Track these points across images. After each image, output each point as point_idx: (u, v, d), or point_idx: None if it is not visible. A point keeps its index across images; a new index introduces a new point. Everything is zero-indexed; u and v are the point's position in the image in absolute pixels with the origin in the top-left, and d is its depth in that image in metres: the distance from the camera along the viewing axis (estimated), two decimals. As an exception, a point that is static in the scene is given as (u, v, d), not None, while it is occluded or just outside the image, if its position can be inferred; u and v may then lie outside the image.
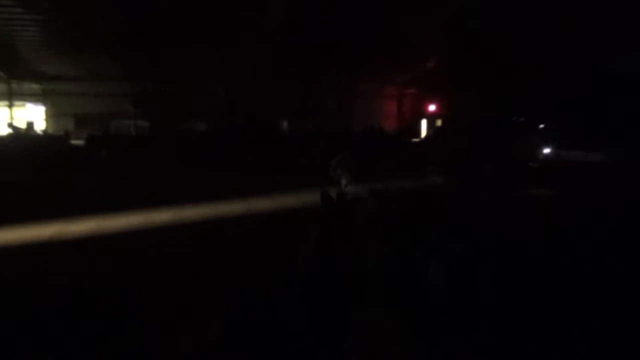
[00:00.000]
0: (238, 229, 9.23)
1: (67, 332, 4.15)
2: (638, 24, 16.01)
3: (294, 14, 16.92)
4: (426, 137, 29.49)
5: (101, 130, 26.03)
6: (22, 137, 25.20)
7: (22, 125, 26.66)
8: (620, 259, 3.81)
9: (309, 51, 22.77)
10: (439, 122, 29.73)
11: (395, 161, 16.25)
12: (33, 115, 29.22)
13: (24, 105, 29.02)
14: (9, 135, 25.06)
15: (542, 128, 20.55)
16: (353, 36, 20.22)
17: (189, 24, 18.93)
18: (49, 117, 29.78)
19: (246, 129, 23.67)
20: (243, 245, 7.76)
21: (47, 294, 5.28)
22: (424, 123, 31.40)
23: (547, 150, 19.23)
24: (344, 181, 7.67)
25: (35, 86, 28.46)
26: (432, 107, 29.69)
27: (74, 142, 24.20)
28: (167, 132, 24.47)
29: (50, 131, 28.13)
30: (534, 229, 5.32)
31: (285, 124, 27.16)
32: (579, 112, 18.98)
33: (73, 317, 4.50)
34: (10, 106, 26.05)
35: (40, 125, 28.88)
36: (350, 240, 5.12)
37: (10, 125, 25.65)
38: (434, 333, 3.31)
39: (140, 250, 7.69)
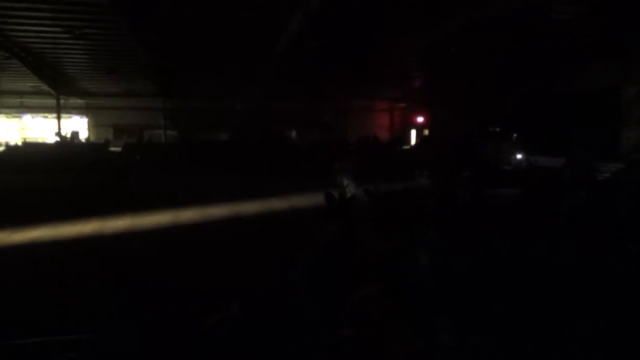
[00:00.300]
0: (256, 224, 9.35)
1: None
2: (589, 52, 16.42)
3: (297, 48, 17.26)
4: (415, 145, 29.64)
5: (136, 138, 26.31)
6: (68, 145, 25.49)
7: (68, 134, 26.96)
8: (571, 249, 3.96)
9: (312, 76, 23.16)
10: (425, 132, 29.90)
11: (388, 166, 16.45)
12: (77, 126, 29.45)
13: (70, 117, 29.23)
14: (57, 143, 25.32)
15: (515, 137, 20.80)
16: (349, 63, 20.54)
17: (213, 55, 19.28)
18: (91, 127, 30.02)
19: (261, 139, 23.96)
20: (261, 238, 7.95)
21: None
22: (413, 133, 31.55)
23: (519, 156, 19.41)
24: (345, 183, 7.85)
25: (79, 101, 28.68)
26: (419, 119, 29.81)
27: (112, 148, 24.47)
28: (193, 141, 24.70)
29: (92, 139, 28.41)
30: (503, 222, 5.49)
31: (294, 135, 27.39)
32: (543, 125, 19.30)
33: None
34: (58, 118, 26.23)
35: (83, 135, 29.14)
36: (349, 233, 5.32)
37: (58, 134, 25.88)
38: (416, 306, 3.43)
39: (179, 240, 7.90)
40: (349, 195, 9.29)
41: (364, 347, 2.86)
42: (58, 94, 25.48)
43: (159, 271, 5.53)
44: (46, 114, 28.85)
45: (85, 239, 7.87)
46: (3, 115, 29.04)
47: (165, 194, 12.96)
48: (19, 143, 26.16)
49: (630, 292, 3.33)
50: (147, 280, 5.04)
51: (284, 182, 16.12)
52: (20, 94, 27.14)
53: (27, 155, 21.55)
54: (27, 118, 29.50)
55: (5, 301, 5.01)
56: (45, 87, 24.43)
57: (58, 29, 15.96)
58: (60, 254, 6.96)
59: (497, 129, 23.08)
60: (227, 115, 27.81)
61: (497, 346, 3.14)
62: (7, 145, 25.44)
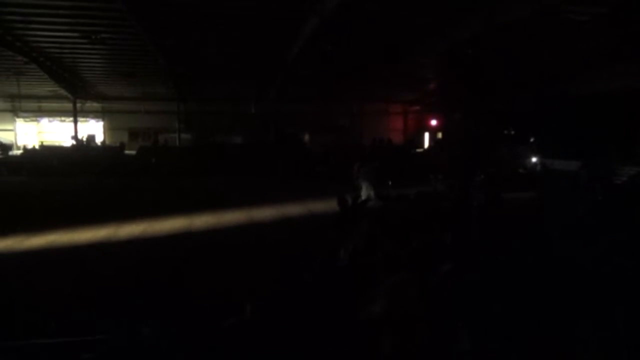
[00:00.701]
0: (270, 228, 9.32)
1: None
2: (608, 53, 16.23)
3: (312, 52, 17.31)
4: (428, 148, 29.56)
5: (151, 142, 26.62)
6: (84, 148, 25.89)
7: (84, 137, 27.38)
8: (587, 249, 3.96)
9: (327, 79, 23.20)
10: (439, 135, 29.79)
11: (404, 169, 16.44)
12: (93, 129, 29.90)
13: (86, 120, 29.67)
14: (74, 145, 25.73)
15: (531, 140, 20.69)
16: (364, 66, 20.55)
17: (228, 58, 19.44)
18: (107, 130, 30.46)
19: (276, 143, 24.08)
20: (275, 242, 8.01)
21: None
22: (426, 136, 31.47)
23: (534, 159, 19.28)
24: (364, 187, 7.91)
25: (95, 105, 29.13)
26: (433, 122, 29.75)
27: (127, 151, 24.79)
28: (208, 145, 24.90)
29: (107, 143, 28.82)
30: (517, 224, 5.49)
31: (307, 138, 27.48)
32: (560, 128, 19.15)
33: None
34: (75, 122, 26.65)
35: (99, 138, 29.57)
36: (361, 235, 5.39)
37: (75, 137, 26.29)
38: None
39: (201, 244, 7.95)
40: (363, 198, 9.34)
41: (394, 326, 2.93)
42: (75, 98, 25.90)
43: (179, 274, 5.61)
44: (63, 118, 29.38)
45: (99, 245, 7.81)
46: (21, 119, 29.62)
47: (179, 198, 13.03)
48: (37, 146, 26.62)
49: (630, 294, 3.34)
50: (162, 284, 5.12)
51: (299, 184, 16.18)
52: (38, 98, 27.65)
53: (44, 158, 21.95)
54: (45, 122, 30.06)
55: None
56: (62, 92, 24.87)
57: (76, 34, 16.24)
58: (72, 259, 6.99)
59: (512, 132, 22.98)
60: (242, 119, 28.04)
61: (513, 351, 3.15)
62: (25, 149, 25.91)
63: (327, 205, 7.27)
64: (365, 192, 9.85)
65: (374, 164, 11.53)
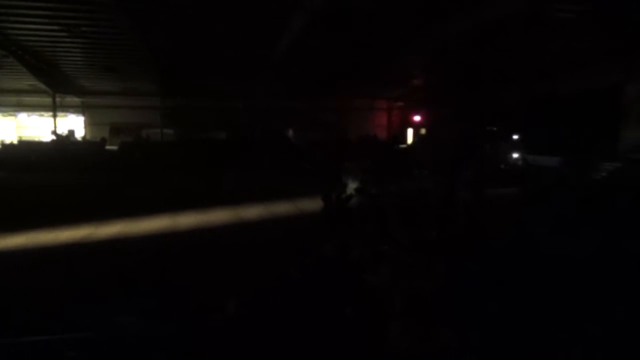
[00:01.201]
0: (258, 227, 9.21)
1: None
2: (591, 51, 16.54)
3: (299, 48, 17.30)
4: (412, 143, 29.75)
5: (133, 137, 26.30)
6: (64, 143, 25.45)
7: (64, 132, 26.92)
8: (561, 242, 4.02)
9: (313, 75, 23.20)
10: (423, 131, 30.00)
11: (390, 165, 16.50)
12: (74, 124, 29.42)
13: (66, 115, 29.20)
14: (53, 141, 25.29)
15: (515, 137, 20.97)
16: (351, 63, 20.60)
17: (213, 53, 19.29)
18: (88, 125, 29.99)
19: (262, 139, 24.02)
20: (264, 241, 7.97)
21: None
22: (410, 132, 31.67)
23: (515, 155, 19.54)
24: (352, 184, 7.92)
25: (76, 99, 28.66)
26: (417, 118, 29.97)
27: (109, 147, 24.45)
28: (192, 140, 24.71)
29: (88, 138, 28.38)
30: (500, 219, 5.54)
31: (292, 134, 27.45)
32: (543, 125, 19.47)
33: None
34: (54, 116, 26.21)
35: (79, 133, 29.10)
36: (344, 227, 5.44)
37: (54, 132, 25.86)
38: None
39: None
40: (347, 194, 9.35)
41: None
42: (54, 92, 25.45)
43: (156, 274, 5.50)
44: (42, 113, 28.83)
45: (76, 246, 7.41)
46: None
47: (163, 195, 12.83)
48: (15, 141, 26.12)
49: (628, 290, 3.39)
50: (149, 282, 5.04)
51: (285, 180, 16.14)
52: (17, 92, 27.08)
53: (23, 153, 21.53)
54: (23, 116, 29.49)
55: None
56: (41, 86, 24.40)
57: (55, 27, 15.94)
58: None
59: (495, 129, 23.25)
60: (227, 114, 27.86)
61: (500, 348, 3.17)
62: (3, 144, 25.40)
63: (314, 202, 7.25)
64: (350, 188, 9.86)
65: (364, 161, 11.60)
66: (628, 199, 5.78)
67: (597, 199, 6.06)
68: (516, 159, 19.09)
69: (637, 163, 13.48)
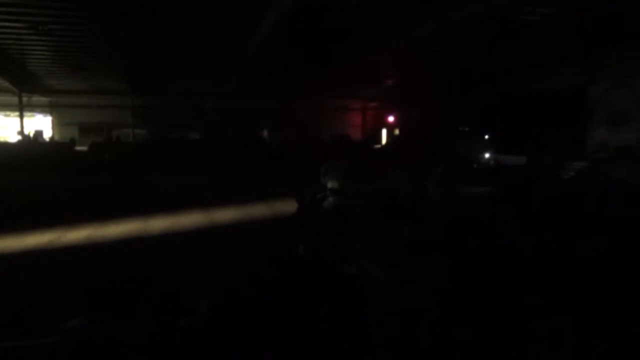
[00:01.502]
0: (231, 230, 9.10)
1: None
2: (557, 53, 17.00)
3: (271, 48, 17.25)
4: (386, 143, 29.99)
5: (103, 137, 25.76)
6: (31, 144, 24.73)
7: (31, 133, 26.18)
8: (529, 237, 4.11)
9: (286, 75, 23.19)
10: (396, 131, 30.28)
11: (360, 164, 16.55)
12: (41, 125, 28.65)
13: (33, 115, 28.41)
14: (20, 142, 24.56)
15: (485, 137, 21.33)
16: (322, 62, 20.65)
17: (184, 53, 19.08)
18: (56, 126, 29.24)
19: (234, 138, 23.82)
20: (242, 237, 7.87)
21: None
22: (384, 132, 31.91)
23: (487, 155, 19.87)
24: (329, 184, 7.93)
25: (43, 99, 27.91)
26: (391, 118, 30.24)
27: (78, 147, 23.86)
28: (164, 140, 24.33)
29: (56, 139, 27.66)
30: (471, 216, 5.63)
31: (267, 134, 27.34)
32: (512, 125, 19.88)
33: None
34: (21, 116, 25.48)
35: (48, 133, 28.35)
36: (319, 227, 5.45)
37: (21, 133, 25.14)
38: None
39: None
40: (321, 195, 9.35)
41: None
42: (21, 92, 24.73)
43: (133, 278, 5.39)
44: (8, 112, 27.96)
45: (42, 252, 7.00)
46: (-38, 114, 28.11)
47: (134, 197, 12.56)
48: (-21, 142, 25.32)
49: (595, 285, 3.47)
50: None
51: (259, 180, 16.03)
52: (-19, 91, 26.26)
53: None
54: (-12, 116, 28.62)
55: None
56: (6, 85, 23.68)
57: (21, 25, 15.49)
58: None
59: (467, 129, 23.62)
60: (199, 114, 27.57)
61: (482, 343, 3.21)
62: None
63: (287, 203, 7.21)
64: (325, 187, 9.86)
65: (343, 162, 11.58)
66: (593, 198, 5.93)
67: (563, 198, 6.20)
68: (488, 159, 19.41)
69: (603, 162, 13.87)
